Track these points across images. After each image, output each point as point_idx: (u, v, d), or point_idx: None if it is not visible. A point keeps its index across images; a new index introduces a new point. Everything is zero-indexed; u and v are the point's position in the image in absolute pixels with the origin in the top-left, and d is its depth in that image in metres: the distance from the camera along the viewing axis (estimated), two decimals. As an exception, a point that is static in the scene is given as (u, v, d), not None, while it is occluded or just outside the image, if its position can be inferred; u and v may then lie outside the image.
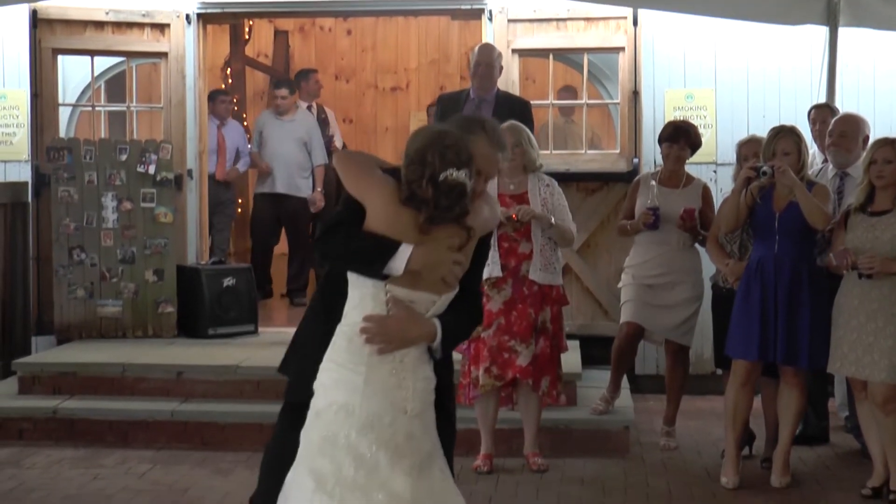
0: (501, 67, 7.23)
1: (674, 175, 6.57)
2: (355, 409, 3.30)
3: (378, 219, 3.34)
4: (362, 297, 3.37)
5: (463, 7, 8.25)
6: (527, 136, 6.05)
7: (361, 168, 3.45)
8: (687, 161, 6.66)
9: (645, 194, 6.51)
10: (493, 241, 5.87)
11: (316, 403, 3.39)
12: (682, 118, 7.47)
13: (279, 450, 3.59)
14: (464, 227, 3.33)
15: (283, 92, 9.82)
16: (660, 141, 6.69)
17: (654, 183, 6.52)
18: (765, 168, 5.62)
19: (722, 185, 7.51)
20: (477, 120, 3.73)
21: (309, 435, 3.37)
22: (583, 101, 8.52)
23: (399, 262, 3.28)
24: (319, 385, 3.40)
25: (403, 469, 3.27)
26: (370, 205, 3.36)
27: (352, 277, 3.40)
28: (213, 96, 9.70)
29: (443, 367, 3.55)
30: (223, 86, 10.80)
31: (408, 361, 3.35)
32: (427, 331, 3.38)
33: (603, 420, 6.49)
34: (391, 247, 3.29)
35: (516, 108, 6.83)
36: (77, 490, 5.75)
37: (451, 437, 3.64)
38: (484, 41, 7.66)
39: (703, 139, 6.88)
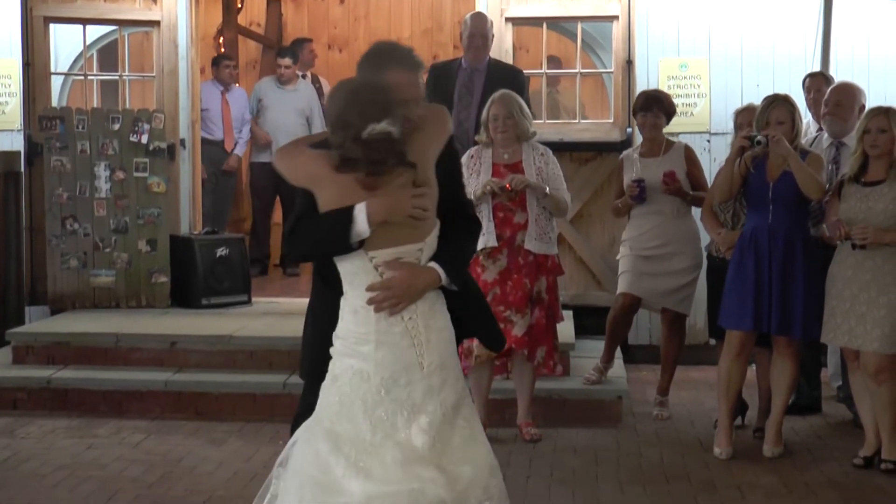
0: (493, 36, 7.20)
1: (653, 144, 6.57)
2: (370, 375, 3.30)
3: (326, 196, 3.31)
4: (354, 273, 3.36)
5: None
6: (518, 106, 6.02)
7: (292, 156, 3.44)
8: (677, 128, 6.65)
9: (629, 169, 6.52)
10: (489, 212, 5.87)
11: (333, 368, 3.39)
12: (675, 87, 7.45)
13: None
14: (407, 164, 3.29)
15: (287, 61, 9.76)
16: (634, 112, 6.69)
17: (636, 156, 6.53)
18: (759, 137, 5.60)
19: (716, 155, 7.51)
20: (384, 51, 3.69)
21: (327, 396, 3.37)
22: (576, 71, 8.49)
23: (361, 223, 3.24)
24: (335, 352, 3.40)
25: (421, 427, 3.27)
26: (314, 186, 3.34)
27: (336, 261, 3.39)
28: (217, 61, 9.64)
29: (464, 295, 3.50)
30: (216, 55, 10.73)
31: (418, 317, 3.33)
32: (430, 278, 3.35)
33: (596, 390, 6.51)
34: (348, 214, 3.25)
35: (509, 76, 6.80)
36: (71, 459, 5.76)
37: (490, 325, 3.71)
38: (476, 10, 7.61)
39: (697, 109, 6.87)
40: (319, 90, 10.27)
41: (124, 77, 8.77)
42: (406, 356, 3.31)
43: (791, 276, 5.60)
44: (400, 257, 3.32)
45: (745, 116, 6.19)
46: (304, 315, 3.81)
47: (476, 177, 5.96)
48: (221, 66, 9.60)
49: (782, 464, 5.68)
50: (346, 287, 3.40)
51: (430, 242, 3.38)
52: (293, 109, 9.68)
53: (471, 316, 3.54)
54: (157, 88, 8.26)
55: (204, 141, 8.92)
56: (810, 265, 5.63)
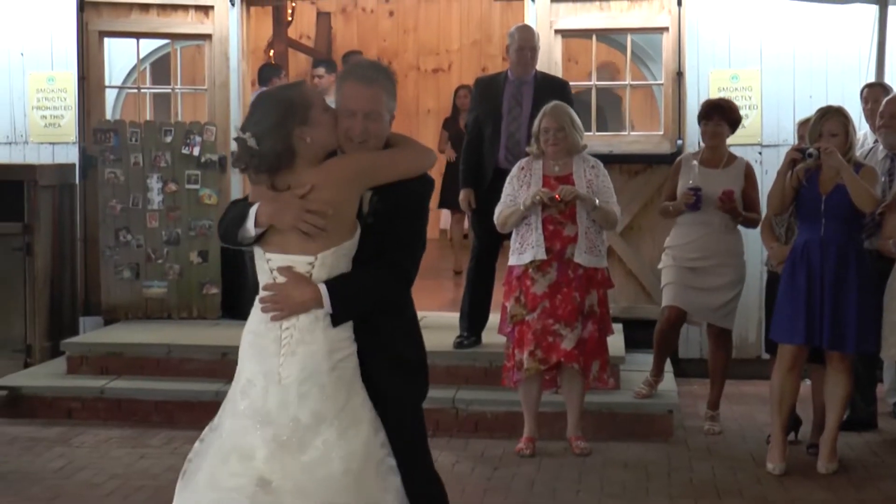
0: (539, 48, 7.18)
1: (715, 154, 6.51)
2: (239, 373, 3.40)
3: (251, 194, 3.47)
4: (259, 271, 3.44)
5: None
6: (569, 118, 6.01)
7: None
8: (729, 140, 6.59)
9: (686, 175, 6.45)
10: (537, 223, 5.86)
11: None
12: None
13: None
14: (267, 173, 3.35)
15: (320, 71, 9.77)
16: (698, 121, 6.64)
17: (695, 163, 6.46)
18: (810, 150, 5.54)
19: (767, 167, 7.44)
20: (348, 66, 3.85)
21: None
22: (626, 83, 8.45)
23: (249, 222, 3.32)
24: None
25: (265, 437, 3.27)
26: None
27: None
28: (267, 76, 9.67)
29: (367, 332, 3.41)
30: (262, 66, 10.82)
31: (295, 329, 3.33)
32: (310, 294, 3.30)
33: (646, 404, 6.47)
34: (244, 211, 3.36)
35: (556, 88, 6.78)
36: (124, 469, 5.82)
37: (411, 396, 3.54)
38: (524, 22, 7.61)
39: (748, 121, 6.80)
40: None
41: (176, 90, 8.87)
42: (267, 363, 3.33)
43: (843, 290, 5.52)
44: (292, 266, 3.34)
45: (805, 129, 6.12)
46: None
47: (526, 188, 5.96)
48: (272, 82, 9.64)
49: (837, 480, 5.61)
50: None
51: (329, 261, 3.33)
52: None
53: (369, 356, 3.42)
54: (208, 101, 8.35)
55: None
56: (863, 279, 5.55)
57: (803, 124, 6.20)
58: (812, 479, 5.63)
